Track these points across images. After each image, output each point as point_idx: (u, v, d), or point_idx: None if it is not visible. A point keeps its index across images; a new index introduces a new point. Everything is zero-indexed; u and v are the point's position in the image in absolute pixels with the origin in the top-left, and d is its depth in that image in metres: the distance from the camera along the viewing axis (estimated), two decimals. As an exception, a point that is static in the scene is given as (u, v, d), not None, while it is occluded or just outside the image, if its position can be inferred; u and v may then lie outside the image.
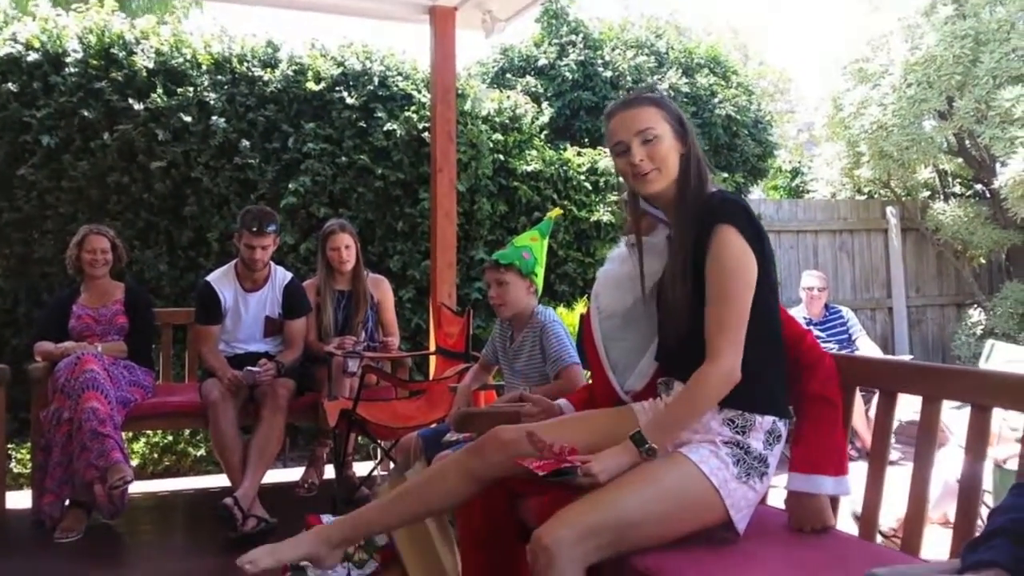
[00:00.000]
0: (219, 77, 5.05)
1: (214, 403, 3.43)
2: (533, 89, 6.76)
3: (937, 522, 3.12)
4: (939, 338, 7.98)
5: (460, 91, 5.27)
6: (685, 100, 6.98)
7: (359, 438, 4.33)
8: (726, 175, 6.86)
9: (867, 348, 5.21)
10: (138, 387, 3.60)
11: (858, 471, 1.76)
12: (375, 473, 3.91)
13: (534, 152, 5.78)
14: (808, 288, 5.33)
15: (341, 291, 4.03)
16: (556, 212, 3.21)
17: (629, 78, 6.91)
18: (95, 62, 4.84)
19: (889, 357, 6.10)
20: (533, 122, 5.95)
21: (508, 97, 5.93)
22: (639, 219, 1.96)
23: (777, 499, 1.94)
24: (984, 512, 1.78)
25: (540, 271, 2.90)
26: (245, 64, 5.15)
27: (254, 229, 3.64)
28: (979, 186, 8.15)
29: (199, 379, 3.87)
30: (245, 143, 4.96)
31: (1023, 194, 6.56)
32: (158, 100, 4.80)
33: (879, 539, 1.91)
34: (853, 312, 5.53)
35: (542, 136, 6.02)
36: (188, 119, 4.84)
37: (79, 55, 4.82)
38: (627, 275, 1.97)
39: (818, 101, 8.57)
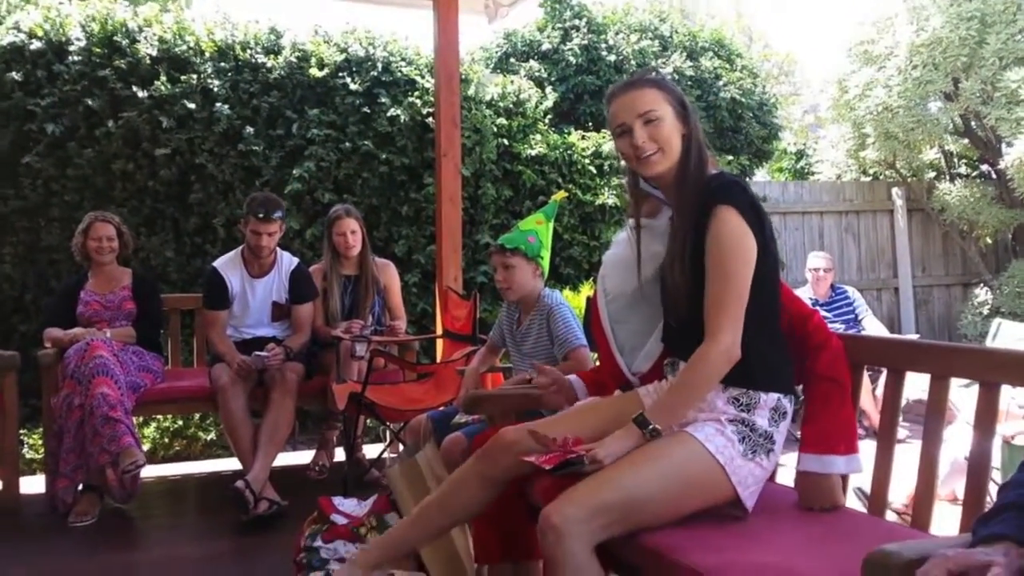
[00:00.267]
0: (222, 64, 5.05)
1: (224, 388, 3.45)
2: (537, 74, 6.73)
3: (946, 499, 3.13)
4: (945, 318, 7.97)
5: (464, 76, 5.25)
6: (690, 83, 6.95)
7: (368, 421, 4.36)
8: (731, 158, 6.84)
9: (873, 328, 5.20)
10: (148, 372, 3.63)
11: (866, 450, 1.77)
12: (385, 455, 3.94)
13: (538, 136, 5.77)
14: (814, 269, 5.32)
15: (348, 276, 4.04)
16: (561, 195, 3.21)
17: (633, 62, 6.87)
18: (98, 50, 4.84)
19: (896, 336, 6.10)
20: (537, 107, 5.93)
21: (512, 82, 5.91)
22: (640, 202, 1.97)
23: (786, 478, 1.95)
24: (993, 489, 1.79)
25: (546, 254, 2.91)
26: (248, 51, 5.13)
27: (260, 216, 3.65)
28: (985, 166, 8.11)
29: (208, 364, 3.90)
30: (249, 130, 4.96)
31: (1029, 174, 6.55)
32: (162, 88, 4.80)
33: (890, 516, 1.92)
34: (859, 292, 5.53)
35: (546, 120, 6.00)
36: (192, 106, 4.84)
37: (82, 43, 4.81)
38: (632, 258, 1.97)
39: (823, 83, 8.50)
